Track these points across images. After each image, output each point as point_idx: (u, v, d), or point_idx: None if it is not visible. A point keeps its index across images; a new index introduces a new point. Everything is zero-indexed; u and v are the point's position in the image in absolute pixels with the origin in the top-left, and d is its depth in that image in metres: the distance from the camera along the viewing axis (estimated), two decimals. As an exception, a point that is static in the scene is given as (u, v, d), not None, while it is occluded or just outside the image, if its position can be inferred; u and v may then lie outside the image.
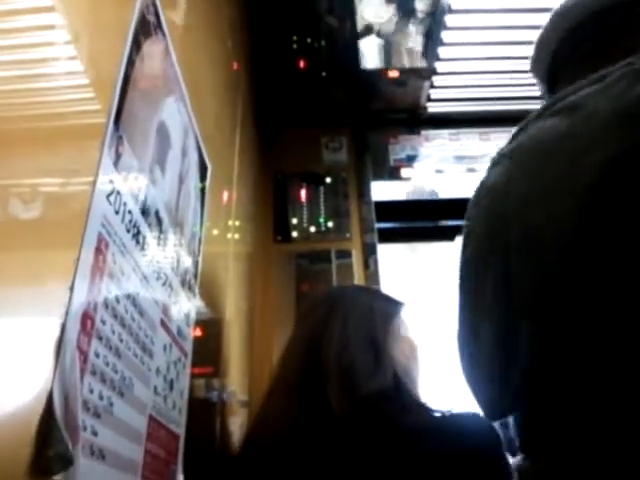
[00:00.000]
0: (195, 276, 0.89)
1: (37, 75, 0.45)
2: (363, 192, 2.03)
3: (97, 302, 0.50)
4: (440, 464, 0.69)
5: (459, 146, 2.13)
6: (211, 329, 1.36)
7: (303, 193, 1.97)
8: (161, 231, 0.70)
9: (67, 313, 0.44)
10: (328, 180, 2.01)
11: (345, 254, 1.90)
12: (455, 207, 2.16)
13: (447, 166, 2.13)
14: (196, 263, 0.90)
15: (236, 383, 1.48)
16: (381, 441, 0.72)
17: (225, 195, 1.41)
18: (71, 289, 0.45)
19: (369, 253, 1.93)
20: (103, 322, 0.51)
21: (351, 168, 2.05)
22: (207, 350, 1.30)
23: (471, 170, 2.13)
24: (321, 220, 1.94)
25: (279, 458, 0.77)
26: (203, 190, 0.96)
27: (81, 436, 0.45)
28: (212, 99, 1.19)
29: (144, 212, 0.63)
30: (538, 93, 2.25)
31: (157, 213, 0.68)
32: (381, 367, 0.83)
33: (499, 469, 0.71)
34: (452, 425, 0.75)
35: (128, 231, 0.58)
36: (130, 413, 0.57)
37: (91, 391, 0.48)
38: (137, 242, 0.61)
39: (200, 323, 1.34)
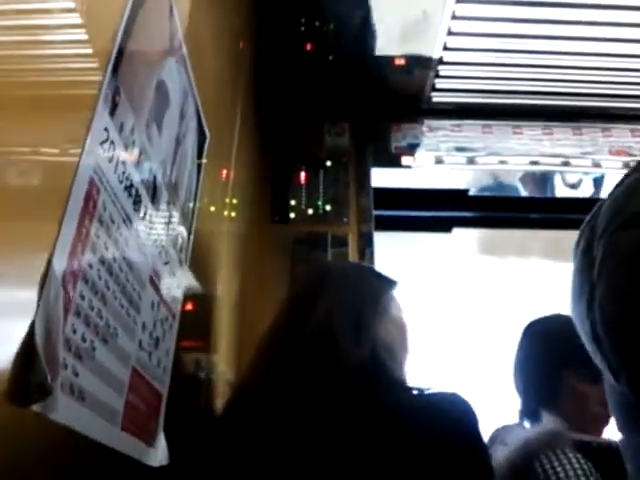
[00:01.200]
0: (188, 242, 0.90)
1: (35, 26, 0.46)
2: (363, 179, 2.03)
3: (85, 244, 0.50)
4: (415, 444, 0.68)
5: (461, 137, 2.13)
6: (202, 304, 1.37)
7: (303, 175, 1.97)
8: (155, 189, 0.70)
9: (54, 249, 0.45)
10: (329, 164, 2.01)
11: (342, 241, 1.91)
12: (453, 198, 2.19)
13: (448, 156, 2.13)
14: (189, 229, 0.91)
15: (224, 362, 1.49)
16: (355, 417, 0.72)
17: (223, 170, 1.41)
18: (60, 225, 0.45)
19: (366, 243, 1.93)
20: (90, 265, 0.51)
21: (352, 153, 2.05)
22: (196, 325, 1.31)
23: (471, 161, 2.13)
24: (319, 203, 1.95)
25: (256, 426, 0.77)
26: (200, 158, 0.96)
27: (61, 373, 0.46)
28: (214, 72, 1.19)
29: (138, 167, 0.64)
30: (544, 88, 2.22)
31: (151, 170, 0.69)
32: (360, 340, 0.82)
33: (476, 450, 0.72)
34: (429, 404, 0.75)
35: (120, 182, 0.59)
36: (113, 361, 0.58)
37: (74, 331, 0.48)
38: (129, 194, 0.61)
39: (191, 297, 1.35)
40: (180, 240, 0.84)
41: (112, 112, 0.56)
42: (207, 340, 1.32)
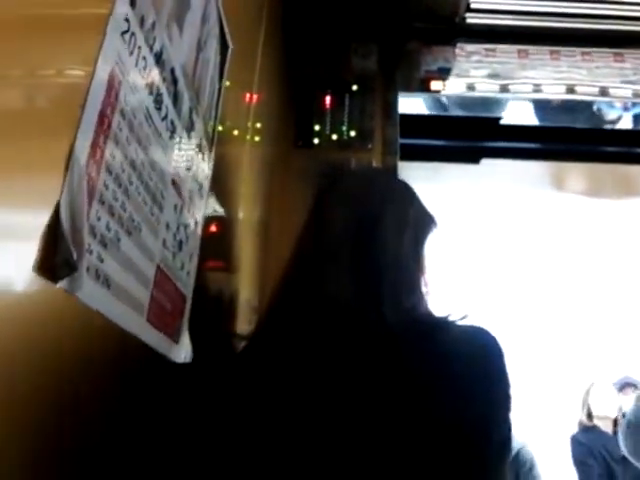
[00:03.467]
0: (210, 153, 0.90)
1: None
2: (390, 104, 1.97)
3: (107, 134, 0.50)
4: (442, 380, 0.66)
5: (495, 63, 2.04)
6: (225, 226, 1.39)
7: (328, 99, 1.93)
8: (176, 90, 0.70)
9: (76, 134, 0.45)
10: (355, 88, 1.95)
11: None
12: (484, 127, 2.13)
13: (481, 83, 2.05)
14: (211, 141, 0.90)
15: (247, 287, 1.49)
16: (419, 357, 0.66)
17: (246, 88, 1.38)
18: (82, 110, 0.46)
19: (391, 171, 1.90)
20: (113, 156, 0.52)
21: (380, 77, 1.98)
22: (220, 247, 1.33)
23: (505, 89, 2.05)
24: (344, 129, 1.91)
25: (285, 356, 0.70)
26: (222, 69, 0.95)
27: (87, 257, 0.47)
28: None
29: (159, 64, 0.63)
30: (584, 10, 2.09)
31: (172, 71, 0.68)
32: (418, 285, 0.76)
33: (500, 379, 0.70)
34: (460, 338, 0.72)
35: (142, 77, 0.58)
36: (138, 255, 0.59)
37: (98, 219, 0.50)
38: (150, 92, 0.61)
39: (214, 219, 1.36)
40: (203, 148, 0.84)
41: (132, 3, 0.55)
42: (230, 262, 1.35)
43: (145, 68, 0.59)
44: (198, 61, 0.80)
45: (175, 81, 0.69)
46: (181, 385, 0.80)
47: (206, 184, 0.86)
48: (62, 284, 0.44)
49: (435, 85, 1.98)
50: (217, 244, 1.31)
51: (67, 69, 0.47)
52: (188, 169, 0.77)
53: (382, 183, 0.84)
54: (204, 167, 0.85)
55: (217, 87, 0.93)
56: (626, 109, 2.43)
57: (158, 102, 0.63)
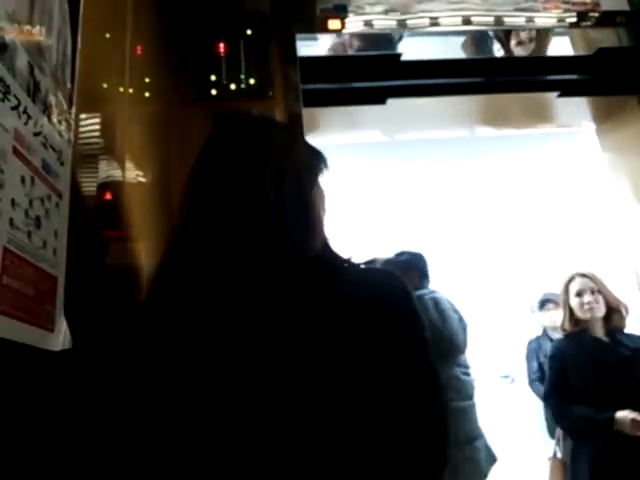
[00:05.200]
0: (69, 112, 0.79)
1: None
2: (287, 47, 1.88)
3: None
4: (353, 311, 0.65)
5: (391, -3, 1.98)
6: (119, 192, 1.29)
7: (222, 46, 1.81)
8: (4, 43, 0.59)
9: None
10: (249, 32, 1.84)
11: (268, 118, 1.80)
12: (386, 64, 2.08)
13: (378, 20, 1.99)
14: (69, 96, 0.80)
15: (150, 250, 1.42)
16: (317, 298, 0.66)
17: (119, 39, 1.26)
18: None
19: (294, 120, 1.82)
20: None
21: (275, 19, 1.88)
22: (115, 214, 1.23)
23: (402, 25, 2.00)
24: (242, 77, 1.81)
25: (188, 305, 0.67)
26: (75, 13, 0.83)
27: None
28: None
29: (-35, 10, 0.52)
30: None
31: (-9, 18, 0.57)
32: (315, 235, 0.73)
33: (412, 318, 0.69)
34: (367, 276, 0.72)
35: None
36: (-30, 240, 0.51)
37: None
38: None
39: (107, 185, 1.25)
40: (56, 112, 0.74)
41: None
42: (130, 228, 1.26)
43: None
44: (34, 8, 0.69)
45: (1, 32, 0.58)
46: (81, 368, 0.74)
47: (68, 149, 0.77)
48: None
49: (332, 24, 1.91)
50: (113, 212, 1.22)
51: None
52: (37, 134, 0.67)
53: (260, 133, 0.79)
54: (62, 130, 0.75)
55: (69, 39, 0.81)
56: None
57: (-28, 57, 0.53)
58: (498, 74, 2.22)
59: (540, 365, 2.96)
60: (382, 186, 3.68)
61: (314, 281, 0.67)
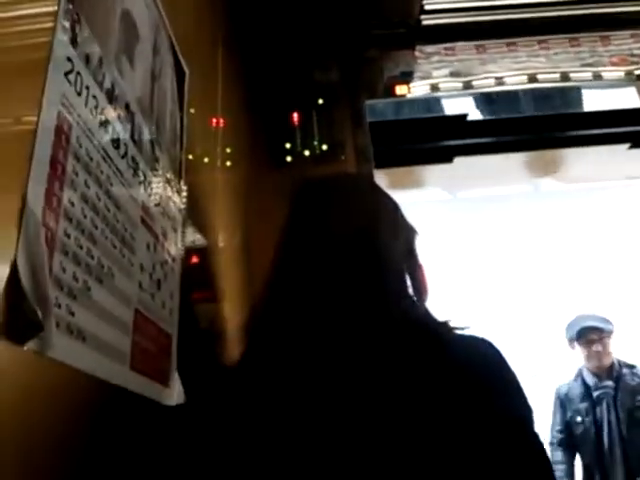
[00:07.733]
0: (179, 184, 0.87)
1: None
2: (358, 113, 1.97)
3: (62, 180, 0.48)
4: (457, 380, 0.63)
5: (456, 61, 2.05)
6: (206, 256, 1.36)
7: (295, 116, 1.92)
8: (134, 125, 0.67)
9: (27, 183, 0.42)
10: (320, 102, 1.95)
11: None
12: (453, 125, 2.13)
13: (443, 83, 2.06)
14: (179, 171, 0.88)
15: (235, 311, 1.46)
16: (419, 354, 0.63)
17: (211, 115, 1.37)
18: (30, 159, 0.43)
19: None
20: (71, 203, 0.49)
21: (344, 88, 1.98)
22: (202, 277, 1.29)
23: (468, 86, 2.06)
24: (315, 143, 1.90)
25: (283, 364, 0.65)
26: (182, 97, 0.93)
27: (55, 312, 0.44)
28: (187, 8, 1.13)
29: (112, 100, 0.60)
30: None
31: (127, 106, 0.65)
32: (426, 294, 0.72)
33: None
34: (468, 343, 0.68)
35: (94, 116, 0.56)
36: (112, 302, 0.56)
37: (63, 270, 0.47)
38: (105, 130, 0.58)
39: (194, 250, 1.33)
40: (171, 183, 0.82)
41: (74, 41, 0.52)
42: (214, 291, 1.32)
43: (97, 107, 0.56)
44: (154, 92, 0.78)
45: (132, 116, 0.66)
46: (180, 424, 0.77)
47: (179, 217, 0.84)
48: (30, 345, 0.41)
49: (400, 89, 1.99)
50: (200, 275, 1.28)
51: (11, 118, 0.45)
52: (157, 205, 0.74)
53: (366, 189, 0.80)
54: (175, 200, 0.83)
55: (179, 116, 0.90)
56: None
57: (115, 140, 0.61)
58: (566, 129, 2.21)
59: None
60: (444, 244, 3.64)
61: (423, 346, 0.65)
